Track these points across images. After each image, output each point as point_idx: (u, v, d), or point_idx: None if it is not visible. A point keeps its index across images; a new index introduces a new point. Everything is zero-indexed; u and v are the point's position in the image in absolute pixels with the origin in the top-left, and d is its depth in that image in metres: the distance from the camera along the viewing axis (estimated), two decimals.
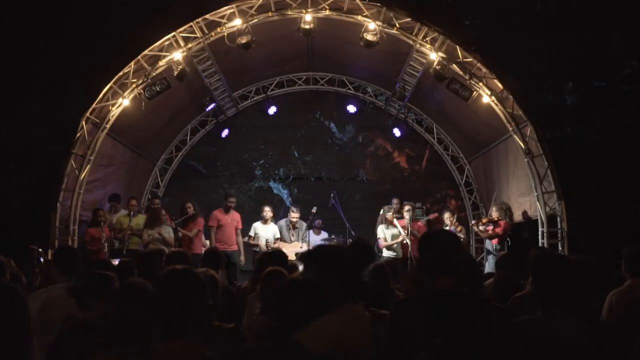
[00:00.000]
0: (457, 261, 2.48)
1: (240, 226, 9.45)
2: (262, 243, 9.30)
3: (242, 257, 9.31)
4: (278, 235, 9.53)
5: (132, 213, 9.04)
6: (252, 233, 9.51)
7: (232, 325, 3.00)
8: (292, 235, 9.72)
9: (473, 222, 10.22)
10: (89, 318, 3.16)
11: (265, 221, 9.52)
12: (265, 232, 9.45)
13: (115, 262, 6.21)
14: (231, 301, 3.96)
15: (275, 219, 9.95)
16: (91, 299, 3.30)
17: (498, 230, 9.11)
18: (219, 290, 3.05)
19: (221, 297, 3.10)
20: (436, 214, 10.44)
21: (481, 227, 9.45)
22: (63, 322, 3.03)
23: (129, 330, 2.37)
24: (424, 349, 2.19)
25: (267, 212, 9.54)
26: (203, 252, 9.44)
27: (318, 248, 2.89)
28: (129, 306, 2.44)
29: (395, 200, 9.84)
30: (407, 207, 9.46)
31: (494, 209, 9.41)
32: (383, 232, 9.33)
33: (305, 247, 9.38)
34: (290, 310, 2.57)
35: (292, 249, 9.21)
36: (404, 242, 9.14)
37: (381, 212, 9.52)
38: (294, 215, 9.70)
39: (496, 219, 9.22)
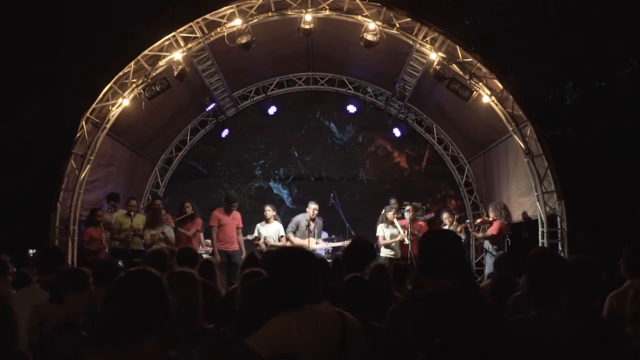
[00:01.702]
0: (458, 261, 2.47)
1: (240, 225, 9.44)
2: (261, 242, 9.31)
3: (244, 257, 9.27)
4: (282, 233, 9.47)
5: (132, 213, 9.02)
6: (255, 234, 9.50)
7: (212, 326, 2.99)
8: (310, 230, 9.40)
9: (468, 221, 10.22)
10: (58, 312, 3.21)
11: (267, 221, 9.51)
12: (267, 231, 9.44)
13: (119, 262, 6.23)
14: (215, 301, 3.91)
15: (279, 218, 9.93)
16: (63, 293, 3.33)
17: (492, 230, 9.10)
18: (199, 290, 3.03)
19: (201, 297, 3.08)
20: (432, 214, 10.44)
21: (475, 228, 9.45)
22: (40, 326, 3.06)
23: (121, 328, 2.36)
24: (422, 349, 2.18)
25: (268, 211, 9.52)
26: (202, 252, 9.55)
27: (267, 253, 2.91)
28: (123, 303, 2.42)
29: (393, 200, 9.84)
30: (408, 207, 9.45)
31: (490, 209, 9.42)
32: (382, 231, 9.33)
33: (320, 244, 9.41)
34: (247, 314, 2.56)
35: (312, 246, 9.16)
36: (404, 241, 9.13)
37: (383, 212, 9.52)
38: (313, 207, 9.44)
39: (491, 219, 9.22)
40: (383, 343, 2.36)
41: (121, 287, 2.15)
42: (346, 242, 9.51)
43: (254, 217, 10.04)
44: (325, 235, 10.07)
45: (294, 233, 9.51)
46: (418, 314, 2.28)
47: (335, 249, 9.69)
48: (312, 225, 9.44)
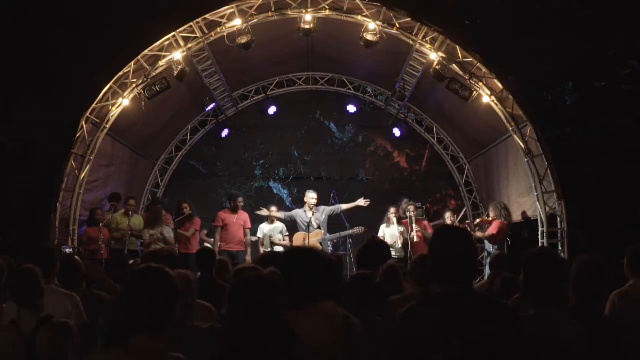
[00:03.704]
0: (471, 264, 2.44)
1: (248, 225, 9.43)
2: (262, 248, 9.36)
3: (248, 257, 9.21)
4: (286, 232, 9.51)
5: (130, 213, 9.01)
6: (260, 235, 9.52)
7: (209, 325, 2.99)
8: (312, 221, 9.25)
9: (467, 221, 10.24)
10: None
11: (271, 221, 9.51)
12: (272, 231, 9.46)
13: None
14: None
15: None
16: None
17: (491, 230, 9.11)
18: (194, 290, 3.04)
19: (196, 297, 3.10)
20: (440, 222, 10.45)
21: (475, 228, 9.47)
22: None
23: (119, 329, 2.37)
24: (439, 350, 2.17)
25: (273, 212, 9.54)
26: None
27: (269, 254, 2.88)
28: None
29: (405, 200, 9.83)
30: (410, 207, 9.47)
31: (490, 208, 9.43)
32: (383, 232, 9.40)
33: (327, 235, 9.33)
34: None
35: (314, 239, 9.14)
36: (414, 240, 9.14)
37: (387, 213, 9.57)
38: (311, 197, 9.40)
39: (491, 219, 9.22)
40: (395, 345, 2.35)
41: (134, 285, 2.14)
42: (356, 229, 9.39)
43: (253, 217, 10.03)
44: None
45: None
46: (432, 315, 2.27)
47: (335, 246, 9.68)
48: (312, 218, 9.27)
